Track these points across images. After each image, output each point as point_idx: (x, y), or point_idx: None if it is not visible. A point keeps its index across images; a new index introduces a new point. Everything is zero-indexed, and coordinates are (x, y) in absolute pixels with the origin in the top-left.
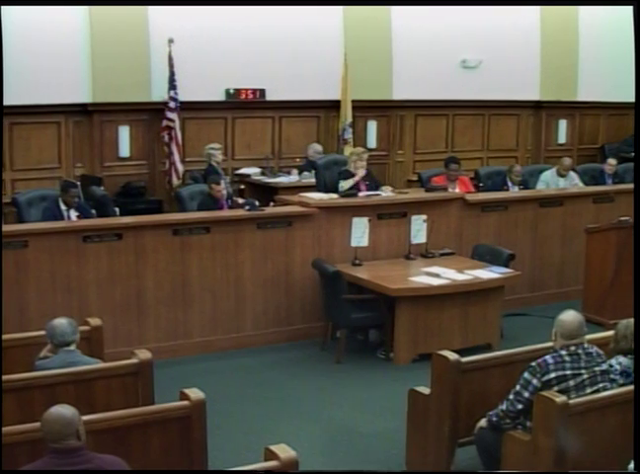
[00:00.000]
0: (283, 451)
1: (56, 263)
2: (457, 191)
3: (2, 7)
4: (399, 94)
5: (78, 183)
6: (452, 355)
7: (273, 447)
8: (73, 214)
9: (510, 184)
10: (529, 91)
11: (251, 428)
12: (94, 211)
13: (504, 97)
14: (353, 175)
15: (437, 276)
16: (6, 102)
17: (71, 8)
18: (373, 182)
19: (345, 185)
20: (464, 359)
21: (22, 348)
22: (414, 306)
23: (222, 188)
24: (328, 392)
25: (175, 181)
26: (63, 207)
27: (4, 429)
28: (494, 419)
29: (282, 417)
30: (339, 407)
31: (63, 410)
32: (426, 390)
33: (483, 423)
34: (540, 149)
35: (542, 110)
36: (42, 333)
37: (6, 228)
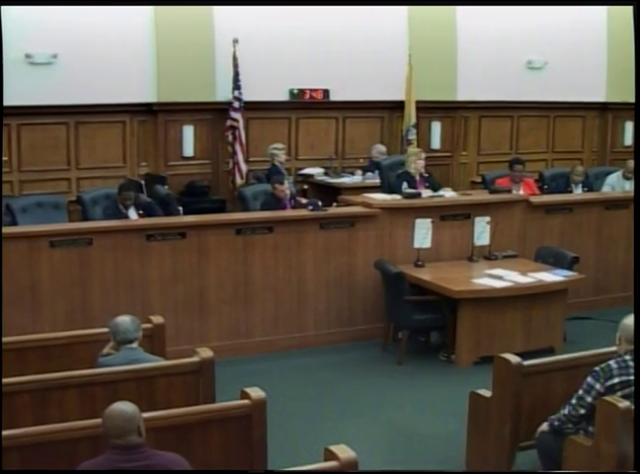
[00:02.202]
0: (343, 452)
1: (120, 261)
2: (521, 192)
3: (69, 9)
4: (463, 95)
5: (142, 182)
6: (514, 359)
7: (332, 448)
8: (133, 214)
9: (573, 185)
10: (596, 92)
11: (311, 427)
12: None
13: (569, 98)
14: (412, 176)
15: (499, 278)
16: (73, 101)
17: (136, 9)
18: (433, 184)
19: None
20: (526, 363)
21: (85, 344)
22: (476, 308)
23: (286, 187)
24: (388, 393)
25: (238, 180)
26: (121, 207)
27: (66, 424)
28: (556, 423)
29: (343, 417)
30: (399, 408)
31: (125, 406)
32: (487, 393)
33: (544, 427)
34: (606, 151)
35: (608, 111)
36: (106, 330)
37: (71, 226)
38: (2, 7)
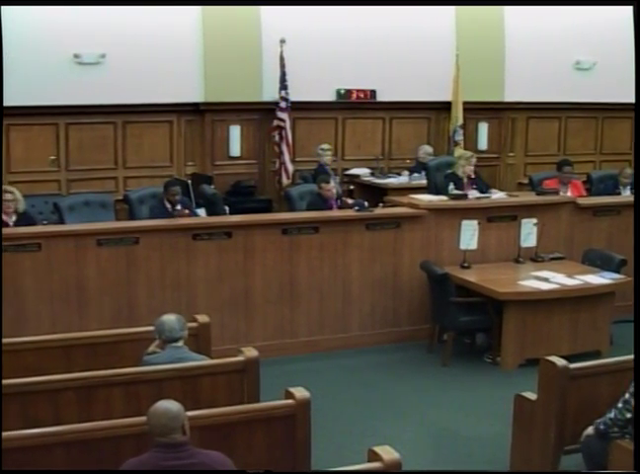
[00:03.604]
0: (387, 453)
1: (166, 260)
2: (569, 194)
3: (117, 10)
4: (511, 95)
5: (188, 181)
6: (560, 361)
7: (376, 449)
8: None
9: (621, 187)
10: None
11: (355, 428)
12: (200, 210)
13: (618, 99)
14: (459, 178)
15: (546, 280)
16: (120, 101)
17: (184, 9)
18: (481, 184)
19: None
20: (572, 366)
21: (131, 342)
22: (522, 310)
23: (332, 187)
24: (433, 395)
25: (285, 180)
26: (168, 206)
27: (111, 421)
28: (601, 427)
29: (387, 418)
30: (444, 410)
31: (169, 405)
32: (532, 396)
33: (590, 431)
34: None
35: None
36: (151, 328)
37: (118, 225)
38: (47, 8)
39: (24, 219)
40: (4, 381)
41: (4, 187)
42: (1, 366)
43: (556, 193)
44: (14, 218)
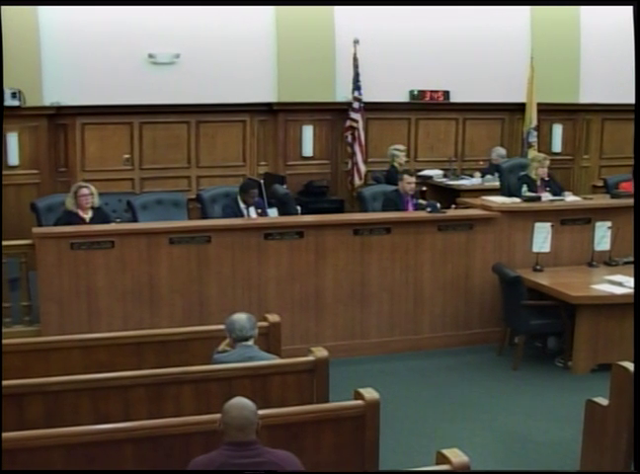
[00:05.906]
0: (455, 456)
1: (237, 258)
2: None
3: (192, 11)
4: (586, 97)
5: (261, 181)
6: (633, 367)
7: (445, 451)
8: (253, 212)
9: None
10: None
11: (423, 430)
12: (271, 210)
13: None
14: (533, 180)
15: (619, 284)
16: (194, 100)
17: (258, 10)
18: (555, 187)
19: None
20: None
21: (201, 340)
22: (595, 315)
23: (413, 180)
24: (503, 398)
25: (357, 181)
26: (242, 205)
27: (181, 419)
28: None
29: (456, 421)
30: (513, 414)
31: (246, 403)
32: (604, 401)
33: None
34: None
35: None
36: (222, 327)
37: (190, 223)
38: (118, 8)
39: (99, 215)
40: (76, 377)
41: (79, 183)
42: (1, 366)
43: (631, 196)
44: (90, 214)
